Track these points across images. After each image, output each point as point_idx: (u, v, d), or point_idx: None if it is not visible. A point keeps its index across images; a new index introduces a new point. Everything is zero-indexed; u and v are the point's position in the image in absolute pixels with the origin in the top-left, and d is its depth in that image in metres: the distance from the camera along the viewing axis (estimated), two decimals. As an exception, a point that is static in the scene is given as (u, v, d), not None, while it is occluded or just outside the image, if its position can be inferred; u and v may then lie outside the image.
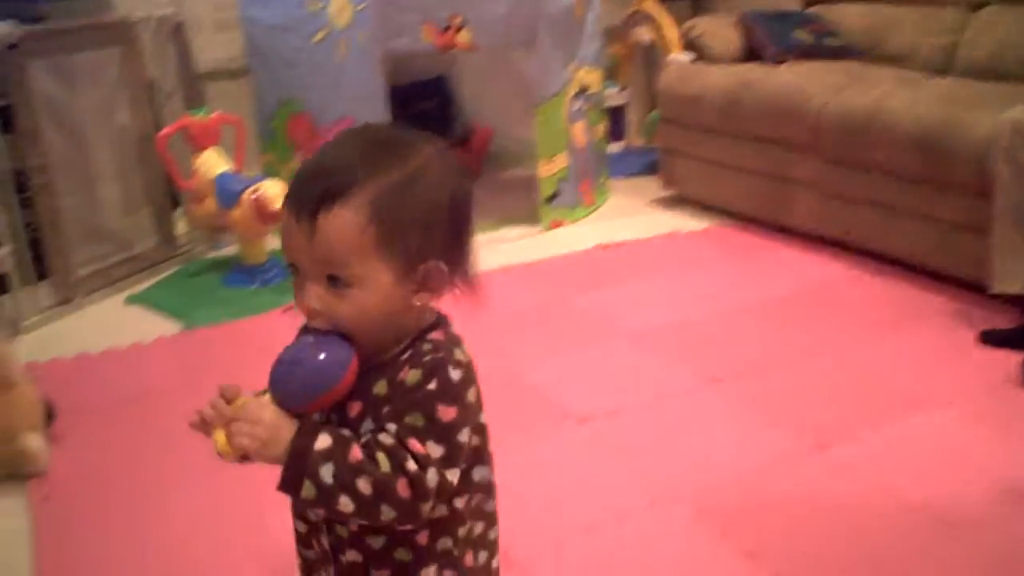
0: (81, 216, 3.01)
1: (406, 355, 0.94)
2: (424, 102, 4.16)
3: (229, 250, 3.29)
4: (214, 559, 1.72)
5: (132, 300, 2.97)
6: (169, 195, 3.30)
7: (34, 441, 2.00)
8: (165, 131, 2.97)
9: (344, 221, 0.88)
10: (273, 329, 2.62)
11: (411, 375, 0.91)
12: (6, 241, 2.70)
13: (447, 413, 0.91)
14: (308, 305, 0.91)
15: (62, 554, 1.76)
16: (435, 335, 0.96)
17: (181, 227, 3.39)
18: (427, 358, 0.92)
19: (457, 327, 0.98)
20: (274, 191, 2.78)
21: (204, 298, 2.94)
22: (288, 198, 0.91)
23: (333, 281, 0.90)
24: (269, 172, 3.31)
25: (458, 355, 0.94)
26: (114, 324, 2.80)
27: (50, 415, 2.10)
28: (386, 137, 0.96)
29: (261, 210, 2.76)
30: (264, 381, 0.92)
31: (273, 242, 2.99)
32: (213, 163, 2.97)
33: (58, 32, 2.94)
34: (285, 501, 0.92)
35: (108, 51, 3.10)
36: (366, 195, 0.89)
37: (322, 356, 0.90)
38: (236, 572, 1.68)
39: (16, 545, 1.79)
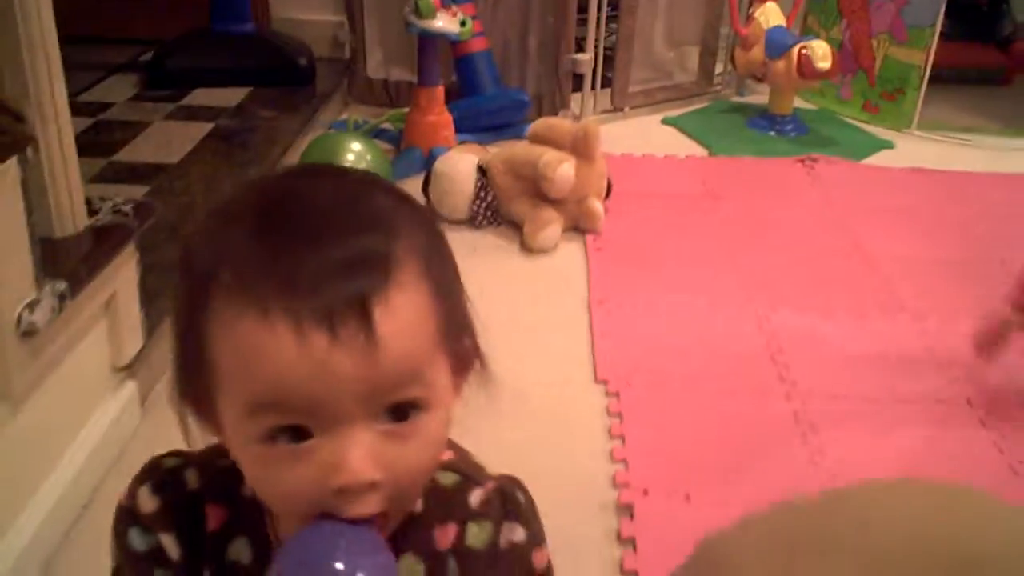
0: (643, 40, 3.50)
1: (421, 507, 0.64)
2: (976, -6, 4.07)
3: (752, 98, 3.63)
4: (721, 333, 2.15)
5: (667, 121, 3.45)
6: (716, 37, 3.68)
7: (597, 205, 2.55)
8: (739, -22, 3.33)
9: (411, 307, 0.56)
10: (785, 173, 2.96)
11: (473, 534, 0.63)
12: (588, 48, 3.27)
13: (543, 557, 0.67)
14: (362, 476, 0.54)
15: (607, 283, 2.31)
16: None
17: (716, 69, 3.78)
18: (478, 500, 0.65)
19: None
20: (822, 50, 3.03)
21: (729, 133, 3.33)
22: (290, 312, 0.53)
23: (397, 414, 0.56)
24: (809, 33, 3.55)
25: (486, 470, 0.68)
26: (652, 137, 3.29)
27: (608, 189, 2.64)
28: (363, 178, 0.65)
29: (805, 65, 3.04)
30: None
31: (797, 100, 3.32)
32: (771, 15, 3.28)
33: None
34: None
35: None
36: (415, 261, 0.57)
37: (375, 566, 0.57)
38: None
39: (578, 272, 2.38)
